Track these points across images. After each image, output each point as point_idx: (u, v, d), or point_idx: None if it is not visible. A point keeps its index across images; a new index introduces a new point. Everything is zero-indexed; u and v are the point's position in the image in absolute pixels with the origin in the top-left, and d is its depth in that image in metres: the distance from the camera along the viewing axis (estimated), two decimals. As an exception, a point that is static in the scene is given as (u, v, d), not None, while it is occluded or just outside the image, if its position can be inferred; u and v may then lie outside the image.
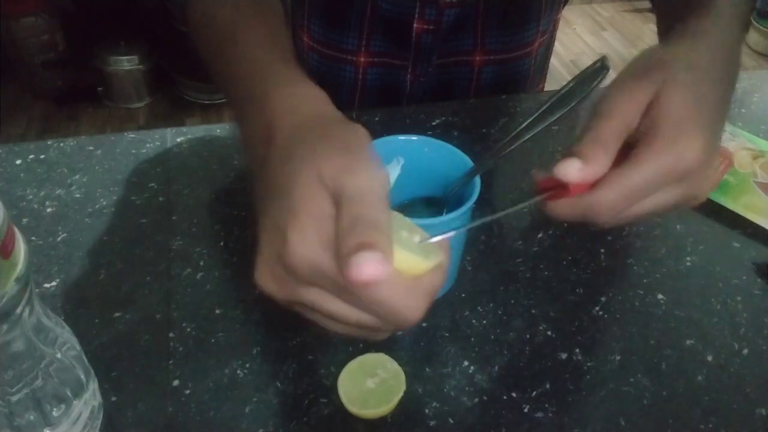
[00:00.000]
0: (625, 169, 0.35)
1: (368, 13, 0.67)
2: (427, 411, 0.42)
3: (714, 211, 0.58)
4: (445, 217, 0.41)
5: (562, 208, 0.37)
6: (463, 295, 0.49)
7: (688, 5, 0.46)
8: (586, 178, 0.35)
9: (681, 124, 0.35)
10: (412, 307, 0.29)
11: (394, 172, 0.47)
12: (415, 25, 0.67)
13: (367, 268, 0.27)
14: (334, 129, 0.34)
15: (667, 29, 0.50)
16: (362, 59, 0.71)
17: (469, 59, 0.71)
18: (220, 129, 0.63)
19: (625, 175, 0.35)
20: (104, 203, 0.55)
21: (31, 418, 0.34)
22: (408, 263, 0.30)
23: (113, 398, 0.41)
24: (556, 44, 0.82)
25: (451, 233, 0.34)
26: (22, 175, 0.57)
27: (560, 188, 0.37)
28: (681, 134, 0.35)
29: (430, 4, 0.65)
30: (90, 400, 0.38)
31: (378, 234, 0.28)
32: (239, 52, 0.42)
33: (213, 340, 0.45)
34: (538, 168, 0.39)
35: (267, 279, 0.31)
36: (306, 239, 0.29)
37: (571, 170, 0.35)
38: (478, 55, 0.71)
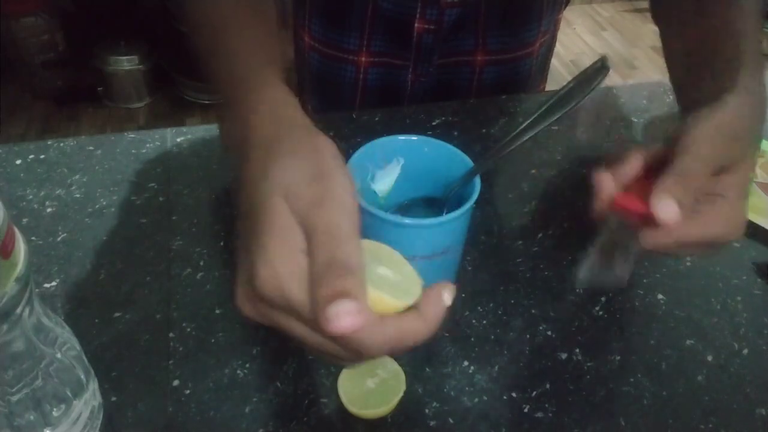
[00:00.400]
0: (703, 224, 0.40)
1: (369, 13, 0.67)
2: (427, 411, 0.42)
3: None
4: (445, 217, 0.41)
5: (657, 239, 0.39)
6: (463, 295, 0.49)
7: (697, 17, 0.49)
8: (678, 219, 0.38)
9: (742, 203, 0.41)
10: (376, 347, 0.29)
11: (394, 172, 0.47)
12: (416, 24, 0.67)
13: (343, 320, 0.27)
14: (304, 143, 0.34)
15: (670, 36, 0.51)
16: (363, 59, 0.71)
17: (470, 59, 0.71)
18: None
19: (702, 229, 0.40)
20: (104, 203, 0.55)
21: (31, 418, 0.34)
22: (380, 304, 0.30)
23: (113, 398, 0.41)
24: (556, 44, 0.82)
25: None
26: (22, 175, 0.57)
27: (634, 211, 0.41)
28: (741, 213, 0.41)
29: (431, 4, 0.65)
30: (90, 400, 0.38)
31: (351, 280, 0.28)
32: (225, 52, 0.42)
33: (213, 340, 0.45)
34: (595, 169, 0.42)
35: (242, 301, 0.32)
36: (275, 271, 0.29)
37: (671, 215, 0.38)
38: (479, 55, 0.71)
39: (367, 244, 0.32)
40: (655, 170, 0.40)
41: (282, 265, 0.29)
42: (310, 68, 0.76)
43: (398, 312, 0.30)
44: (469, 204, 0.41)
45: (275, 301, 0.30)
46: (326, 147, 0.33)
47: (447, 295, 0.31)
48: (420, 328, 0.30)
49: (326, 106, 0.79)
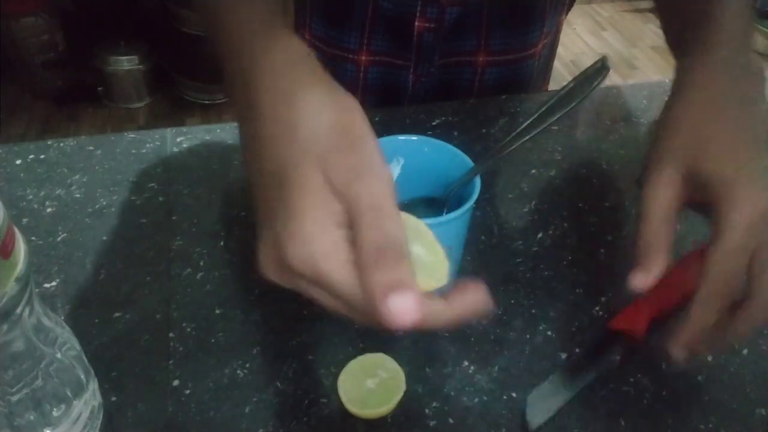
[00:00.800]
0: (714, 245, 0.38)
1: (369, 11, 0.67)
2: (427, 411, 0.42)
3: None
4: (445, 218, 0.41)
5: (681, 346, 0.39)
6: (463, 295, 0.49)
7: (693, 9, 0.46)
8: (655, 282, 0.39)
9: (752, 186, 0.38)
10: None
11: (394, 172, 0.47)
12: (416, 23, 0.67)
13: (404, 316, 0.27)
14: (330, 102, 0.32)
15: (674, 33, 0.50)
16: (363, 58, 0.71)
17: (471, 60, 0.71)
18: (220, 129, 0.63)
19: (718, 247, 0.37)
20: (104, 203, 0.55)
21: (31, 418, 0.34)
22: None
23: (113, 398, 0.41)
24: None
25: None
26: (22, 175, 0.57)
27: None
28: (756, 194, 0.38)
29: (431, 3, 0.65)
30: (90, 400, 0.38)
31: (405, 267, 0.28)
32: (228, 11, 0.39)
33: (213, 340, 0.45)
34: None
35: (266, 266, 0.31)
36: (311, 249, 0.28)
37: (642, 282, 0.39)
38: (481, 56, 0.71)
39: (403, 217, 0.32)
40: None
41: (319, 244, 0.28)
42: None
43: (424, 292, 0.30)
44: (469, 204, 0.41)
45: (307, 275, 0.29)
46: (354, 107, 0.32)
47: (479, 296, 0.30)
48: (447, 314, 0.30)
49: None
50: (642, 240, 0.40)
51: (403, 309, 0.27)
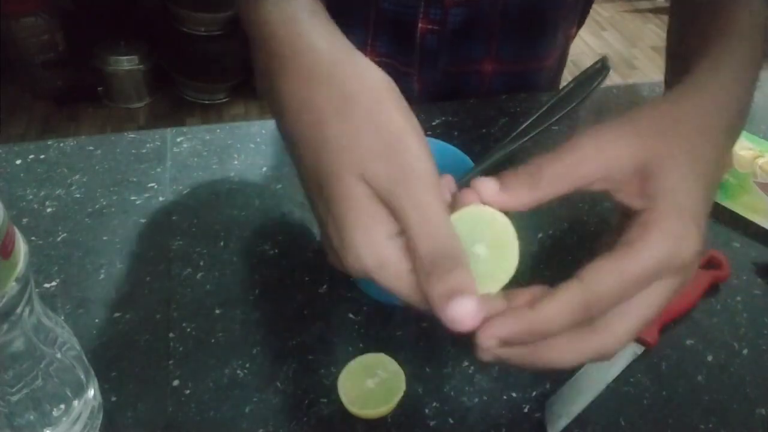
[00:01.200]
0: (619, 257, 0.30)
1: (372, 14, 0.67)
2: (427, 411, 0.42)
3: (714, 211, 0.57)
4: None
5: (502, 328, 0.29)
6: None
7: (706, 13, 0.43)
8: (498, 203, 0.32)
9: (683, 215, 0.31)
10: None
11: None
12: (419, 25, 0.66)
13: (466, 322, 0.27)
14: (362, 92, 0.30)
15: (678, 32, 0.48)
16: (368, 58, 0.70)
17: (478, 68, 0.70)
18: (220, 129, 0.63)
19: (621, 263, 0.30)
20: (104, 203, 0.55)
21: (31, 418, 0.34)
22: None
23: (113, 398, 0.41)
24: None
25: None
26: (22, 175, 0.57)
27: None
28: (682, 226, 0.31)
29: (434, 3, 0.65)
30: (90, 400, 0.38)
31: (461, 272, 0.28)
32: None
33: (213, 340, 0.45)
34: None
35: (335, 265, 0.31)
36: (363, 262, 0.29)
37: (484, 189, 0.31)
38: (488, 64, 0.70)
39: (469, 211, 0.31)
40: None
41: (371, 258, 0.28)
42: None
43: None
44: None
45: (360, 274, 0.30)
46: (390, 95, 0.31)
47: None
48: (509, 315, 0.29)
49: None
50: (535, 165, 0.33)
51: (462, 316, 0.27)
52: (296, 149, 0.32)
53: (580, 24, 0.77)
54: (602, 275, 0.29)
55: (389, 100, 0.31)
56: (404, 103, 0.31)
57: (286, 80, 0.32)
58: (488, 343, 0.29)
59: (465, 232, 0.30)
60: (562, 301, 0.29)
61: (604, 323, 0.30)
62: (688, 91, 0.35)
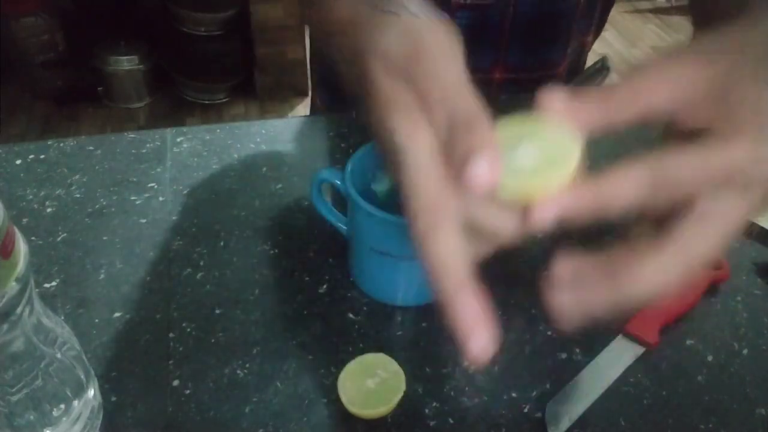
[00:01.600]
0: (695, 149, 0.29)
1: None
2: (427, 411, 0.42)
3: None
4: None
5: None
6: (463, 295, 0.49)
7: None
8: (566, 111, 0.30)
9: (764, 129, 0.29)
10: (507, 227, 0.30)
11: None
12: None
13: (479, 180, 0.26)
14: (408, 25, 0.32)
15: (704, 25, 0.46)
16: None
17: (486, 77, 0.69)
18: (220, 129, 0.64)
19: (696, 152, 0.28)
20: (104, 203, 0.55)
21: (31, 418, 0.34)
22: (523, 192, 0.28)
23: (113, 398, 0.41)
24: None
25: None
26: (22, 175, 0.57)
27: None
28: (764, 140, 0.29)
29: (440, 4, 0.64)
30: (90, 400, 0.38)
31: (478, 134, 0.27)
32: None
33: (213, 340, 0.45)
34: None
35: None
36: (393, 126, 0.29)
37: (552, 95, 0.30)
38: (497, 73, 0.68)
39: (515, 123, 0.30)
40: None
41: (406, 121, 0.29)
42: (323, 65, 0.76)
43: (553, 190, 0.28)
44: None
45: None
46: (457, 55, 0.32)
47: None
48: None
49: (337, 104, 0.79)
50: (606, 91, 0.31)
51: (474, 176, 0.26)
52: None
53: (597, 31, 0.75)
54: (676, 157, 0.28)
55: (454, 57, 0.32)
56: (454, 48, 0.33)
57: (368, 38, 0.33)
58: (546, 215, 0.28)
59: (517, 136, 0.29)
60: (629, 174, 0.28)
61: (680, 233, 0.29)
62: (746, 24, 0.34)
